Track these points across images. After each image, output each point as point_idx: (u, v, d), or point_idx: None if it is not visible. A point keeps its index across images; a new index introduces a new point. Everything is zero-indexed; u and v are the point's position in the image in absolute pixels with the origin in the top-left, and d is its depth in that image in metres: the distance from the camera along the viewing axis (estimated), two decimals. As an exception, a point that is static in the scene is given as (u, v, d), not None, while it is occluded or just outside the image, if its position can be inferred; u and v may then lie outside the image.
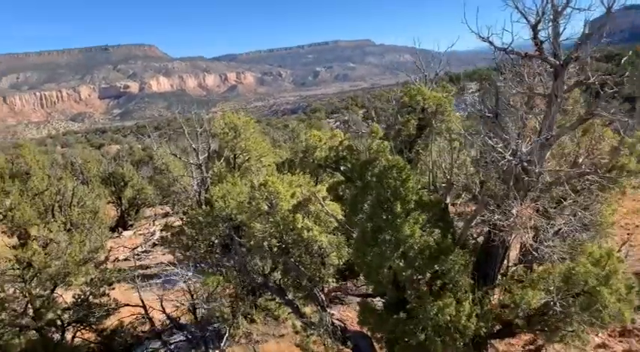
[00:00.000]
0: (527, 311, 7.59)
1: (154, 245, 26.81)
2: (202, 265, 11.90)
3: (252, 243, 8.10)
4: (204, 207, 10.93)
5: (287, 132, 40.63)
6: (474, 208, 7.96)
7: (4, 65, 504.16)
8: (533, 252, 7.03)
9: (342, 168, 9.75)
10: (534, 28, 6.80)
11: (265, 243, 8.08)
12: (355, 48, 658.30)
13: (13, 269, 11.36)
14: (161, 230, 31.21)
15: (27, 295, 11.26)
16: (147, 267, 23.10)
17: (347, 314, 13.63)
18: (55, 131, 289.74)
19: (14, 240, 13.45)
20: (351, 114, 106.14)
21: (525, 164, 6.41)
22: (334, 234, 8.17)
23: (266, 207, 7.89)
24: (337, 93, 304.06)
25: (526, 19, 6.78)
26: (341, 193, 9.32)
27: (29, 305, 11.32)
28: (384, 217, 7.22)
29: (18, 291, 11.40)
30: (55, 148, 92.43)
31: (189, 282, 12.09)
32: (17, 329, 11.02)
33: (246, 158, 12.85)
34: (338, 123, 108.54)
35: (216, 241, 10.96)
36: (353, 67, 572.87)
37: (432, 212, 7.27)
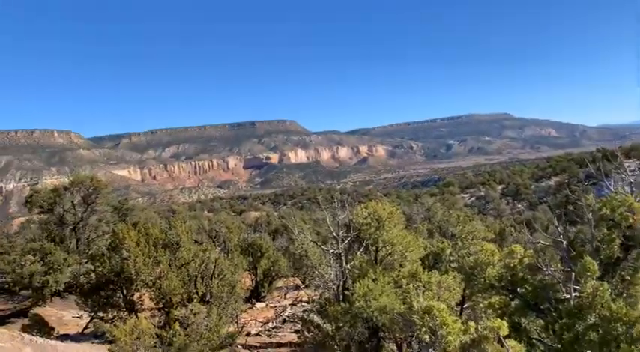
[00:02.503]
0: None
1: (284, 321, 26.58)
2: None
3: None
4: (342, 303, 10.31)
5: (422, 209, 39.23)
6: None
7: (169, 137, 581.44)
8: None
9: (519, 290, 8.29)
10: None
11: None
12: (492, 121, 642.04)
13: (156, 346, 11.59)
14: (291, 305, 31.22)
15: (165, 375, 11.34)
16: (277, 345, 22.77)
17: None
18: (204, 196, 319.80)
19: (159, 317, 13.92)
20: (489, 190, 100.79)
21: None
22: (513, 382, 6.78)
23: (427, 338, 6.88)
24: (471, 167, 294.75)
25: None
26: (517, 320, 7.85)
27: (166, 387, 11.37)
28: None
29: (158, 370, 11.55)
30: (203, 213, 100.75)
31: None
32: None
33: (389, 251, 12.08)
34: (473, 198, 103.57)
35: (352, 342, 10.13)
36: (489, 140, 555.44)
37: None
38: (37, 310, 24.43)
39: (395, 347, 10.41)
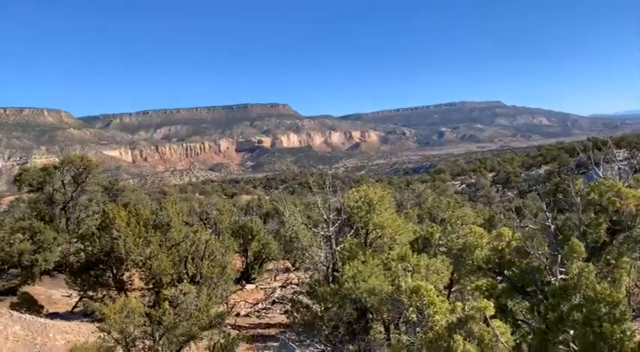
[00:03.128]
0: None
1: (274, 302, 26.80)
2: (325, 345, 11.18)
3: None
4: (331, 284, 10.39)
5: (412, 195, 39.41)
6: None
7: (160, 119, 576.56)
8: None
9: (506, 273, 8.36)
10: None
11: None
12: (484, 109, 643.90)
13: (145, 325, 11.64)
14: (281, 287, 31.45)
15: (154, 354, 11.41)
16: (266, 326, 22.99)
17: None
18: (196, 179, 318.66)
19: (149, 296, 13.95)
20: (479, 177, 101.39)
21: None
22: (499, 362, 6.85)
23: (415, 317, 6.96)
24: (463, 154, 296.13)
25: None
26: (503, 302, 7.94)
27: (155, 365, 11.45)
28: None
29: (147, 349, 11.61)
30: (194, 195, 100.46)
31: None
32: (142, 388, 11.13)
33: (379, 234, 12.15)
34: (464, 185, 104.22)
35: (341, 322, 10.23)
36: (481, 128, 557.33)
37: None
38: (25, 288, 24.39)
39: (383, 329, 10.56)
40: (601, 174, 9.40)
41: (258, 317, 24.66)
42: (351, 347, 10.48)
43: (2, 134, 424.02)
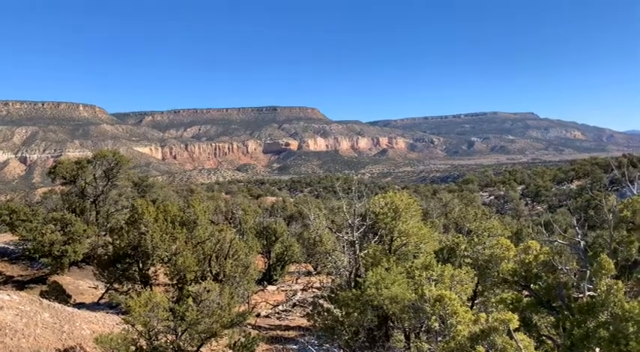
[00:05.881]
0: None
1: (294, 305, 26.86)
2: (345, 350, 11.16)
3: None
4: (353, 290, 10.37)
5: (439, 204, 38.99)
6: None
7: (190, 118, 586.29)
8: None
9: (532, 286, 8.20)
10: None
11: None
12: (516, 120, 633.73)
13: (168, 320, 11.83)
14: (302, 290, 31.49)
15: (176, 349, 11.59)
16: (286, 328, 23.06)
17: None
18: (223, 178, 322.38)
19: (173, 292, 14.17)
20: (508, 189, 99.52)
21: None
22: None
23: (437, 326, 6.91)
24: (492, 166, 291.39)
25: None
26: (528, 316, 7.79)
27: (176, 360, 11.61)
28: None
29: (169, 343, 11.81)
30: (221, 194, 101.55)
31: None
32: (162, 381, 11.30)
33: (404, 242, 12.06)
34: (492, 197, 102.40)
35: (361, 328, 10.21)
36: (512, 139, 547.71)
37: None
38: (55, 278, 25.10)
39: (403, 337, 10.47)
40: (635, 192, 9.14)
41: (278, 318, 24.75)
42: (370, 354, 10.45)
43: (39, 127, 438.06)
